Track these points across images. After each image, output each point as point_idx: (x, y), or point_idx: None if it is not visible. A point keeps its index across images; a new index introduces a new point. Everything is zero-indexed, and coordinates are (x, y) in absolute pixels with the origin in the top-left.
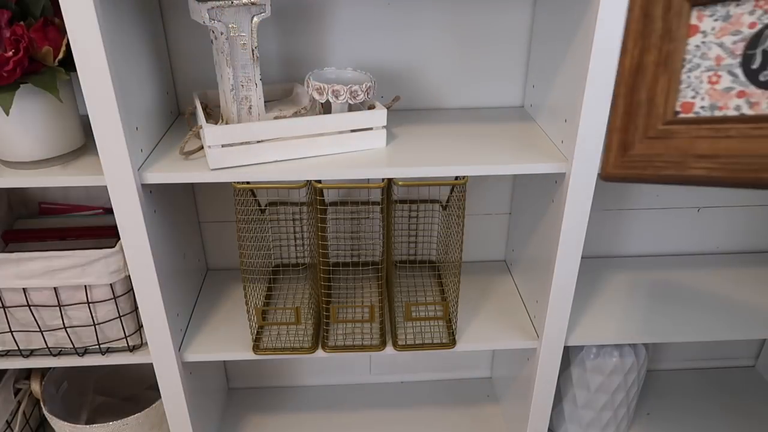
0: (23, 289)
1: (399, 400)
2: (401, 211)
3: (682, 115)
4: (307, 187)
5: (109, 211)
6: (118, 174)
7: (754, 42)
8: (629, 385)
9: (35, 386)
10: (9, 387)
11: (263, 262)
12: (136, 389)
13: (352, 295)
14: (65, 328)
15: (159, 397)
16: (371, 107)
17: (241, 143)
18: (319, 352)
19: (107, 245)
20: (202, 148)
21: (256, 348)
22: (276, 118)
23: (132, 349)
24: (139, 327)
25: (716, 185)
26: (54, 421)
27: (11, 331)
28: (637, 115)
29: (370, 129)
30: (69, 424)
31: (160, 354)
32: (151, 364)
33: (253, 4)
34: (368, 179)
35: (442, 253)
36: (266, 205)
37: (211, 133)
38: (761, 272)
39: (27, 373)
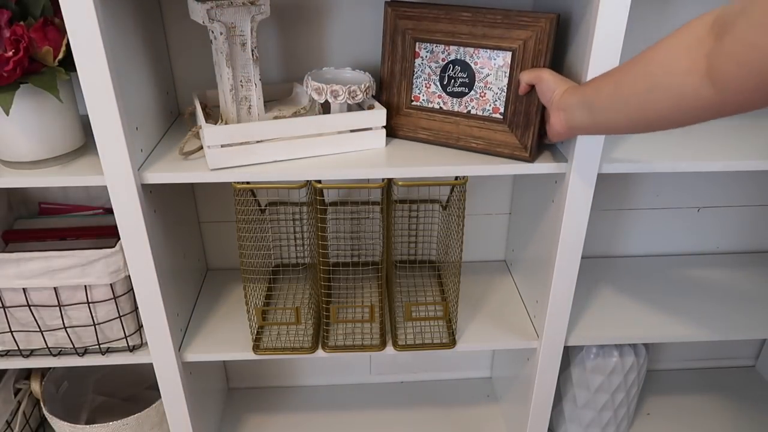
0: (23, 289)
1: (399, 400)
2: (401, 211)
3: (414, 103)
4: (307, 187)
5: (109, 211)
6: (118, 174)
7: (444, 69)
8: (629, 385)
9: (35, 386)
10: (9, 387)
11: (263, 262)
12: (136, 389)
13: (352, 295)
14: (65, 328)
15: (159, 397)
16: (371, 107)
17: (241, 143)
18: (319, 352)
19: (107, 245)
20: (201, 148)
21: (256, 348)
22: (275, 118)
23: (132, 349)
24: (139, 327)
25: (430, 143)
26: (54, 421)
27: (11, 331)
28: (393, 100)
29: (370, 129)
30: (69, 424)
31: (160, 354)
32: (151, 364)
33: (252, 4)
34: (368, 179)
35: (442, 253)
36: (266, 205)
37: (210, 134)
38: (761, 272)
39: (27, 373)
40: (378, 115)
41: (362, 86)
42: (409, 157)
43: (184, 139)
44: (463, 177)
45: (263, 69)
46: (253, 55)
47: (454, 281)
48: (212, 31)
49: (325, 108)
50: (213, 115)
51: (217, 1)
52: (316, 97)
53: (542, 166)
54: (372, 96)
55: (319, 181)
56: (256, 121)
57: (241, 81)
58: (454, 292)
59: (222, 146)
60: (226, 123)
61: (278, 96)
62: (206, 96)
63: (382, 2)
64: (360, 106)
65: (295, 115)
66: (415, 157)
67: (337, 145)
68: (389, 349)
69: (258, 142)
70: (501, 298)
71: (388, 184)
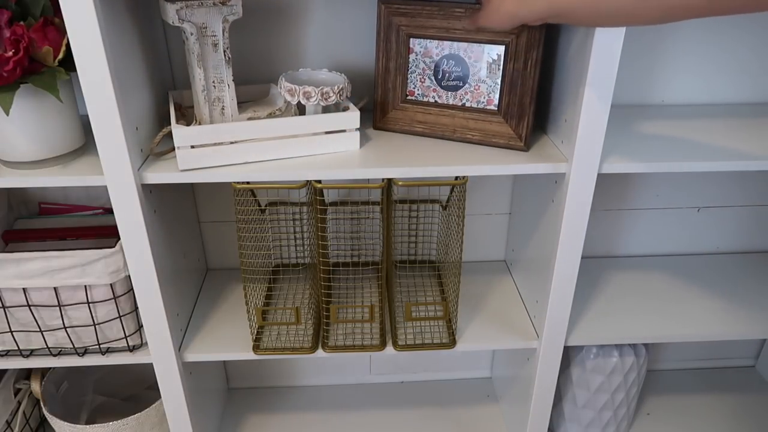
0: (23, 289)
1: (399, 400)
2: (401, 211)
3: (409, 98)
4: (307, 187)
5: (109, 211)
6: (118, 174)
7: (438, 64)
8: (629, 385)
9: (35, 386)
10: (9, 387)
11: (263, 262)
12: (136, 389)
13: (352, 295)
14: (65, 328)
15: (159, 397)
16: (346, 109)
17: (214, 144)
18: (319, 352)
19: (107, 245)
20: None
21: (256, 348)
22: (250, 119)
23: (132, 349)
24: (139, 327)
25: (427, 137)
26: (54, 421)
27: (11, 331)
28: (388, 95)
29: (343, 131)
30: (69, 424)
31: (160, 354)
32: (151, 364)
33: (223, 4)
34: (368, 179)
35: (442, 253)
36: (266, 205)
37: (179, 135)
38: (761, 272)
39: (27, 373)
40: (351, 118)
41: (335, 88)
42: (408, 157)
43: (156, 139)
44: (463, 177)
45: (241, 70)
46: (225, 55)
47: (454, 281)
48: (183, 32)
49: (301, 109)
50: (188, 115)
51: (187, 2)
52: (288, 98)
53: (542, 166)
54: (347, 97)
55: (319, 181)
56: (230, 122)
57: (213, 82)
58: (454, 292)
59: (192, 147)
60: (199, 124)
61: (256, 97)
62: (182, 96)
63: (364, 1)
64: (336, 108)
65: (270, 116)
66: (416, 157)
67: (311, 146)
68: (389, 349)
69: (232, 143)
70: (501, 298)
71: (388, 184)
